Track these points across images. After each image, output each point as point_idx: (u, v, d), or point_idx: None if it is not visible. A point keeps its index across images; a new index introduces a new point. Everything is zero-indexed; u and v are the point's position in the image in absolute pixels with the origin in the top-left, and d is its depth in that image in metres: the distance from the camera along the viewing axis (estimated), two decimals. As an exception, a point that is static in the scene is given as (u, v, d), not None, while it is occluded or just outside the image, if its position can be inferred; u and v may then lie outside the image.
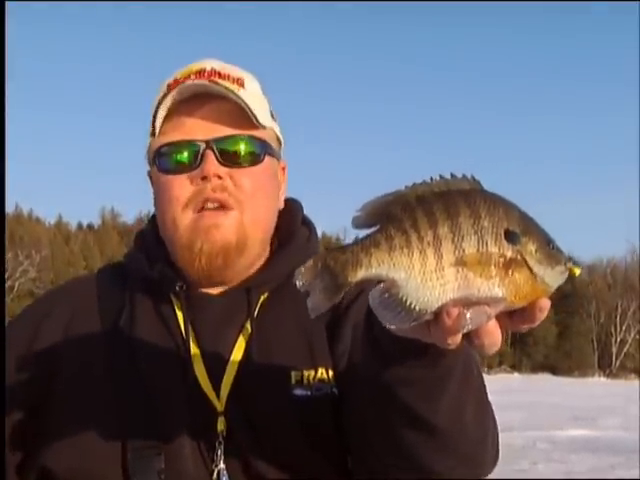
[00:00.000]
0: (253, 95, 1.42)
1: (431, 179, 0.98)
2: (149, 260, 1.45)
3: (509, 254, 0.95)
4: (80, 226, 67.30)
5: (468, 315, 0.93)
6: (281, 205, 1.48)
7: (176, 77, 1.41)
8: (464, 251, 0.94)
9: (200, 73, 1.40)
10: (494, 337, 0.96)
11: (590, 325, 61.40)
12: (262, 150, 1.42)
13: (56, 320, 1.45)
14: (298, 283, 0.96)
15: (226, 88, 1.38)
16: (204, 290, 1.42)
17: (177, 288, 1.40)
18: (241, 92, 1.39)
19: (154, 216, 1.51)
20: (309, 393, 1.36)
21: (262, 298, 1.43)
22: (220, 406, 1.35)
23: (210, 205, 1.37)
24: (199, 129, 1.38)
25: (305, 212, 1.55)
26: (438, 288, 0.94)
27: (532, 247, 0.96)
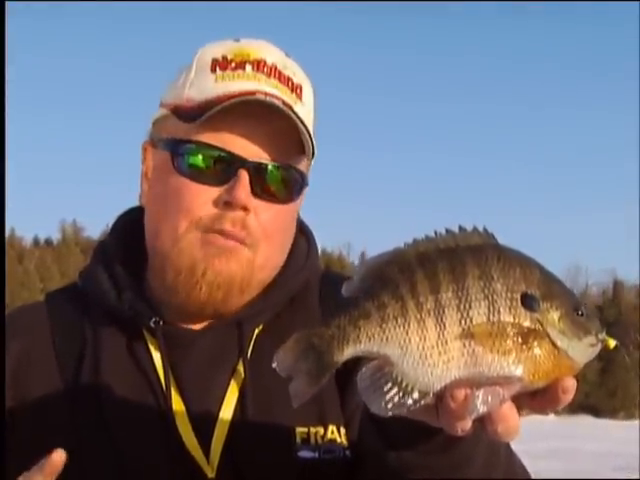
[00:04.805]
0: (308, 111, 1.39)
1: (436, 233, 0.97)
2: (114, 284, 1.39)
3: (526, 323, 0.93)
4: (36, 241, 67.43)
5: (478, 398, 0.92)
6: (293, 237, 1.44)
7: (225, 55, 1.37)
8: (472, 320, 0.93)
9: (258, 65, 1.36)
10: (510, 422, 0.94)
11: (638, 358, 61.34)
12: (300, 186, 1.39)
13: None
14: (278, 367, 0.96)
15: (286, 104, 1.33)
16: (185, 325, 1.37)
17: (152, 324, 1.35)
18: (298, 108, 1.36)
19: (121, 219, 1.45)
20: (317, 455, 1.32)
21: (256, 331, 1.38)
22: (211, 472, 1.30)
23: (221, 236, 1.32)
24: (240, 142, 1.33)
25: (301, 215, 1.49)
26: (440, 366, 0.92)
27: (555, 314, 0.94)
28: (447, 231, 0.97)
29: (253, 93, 1.32)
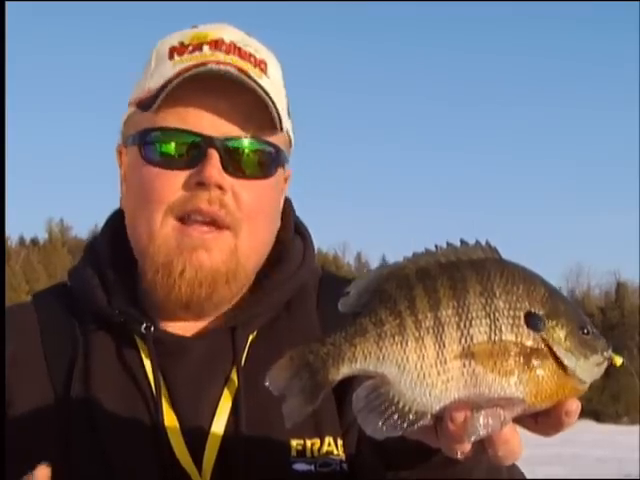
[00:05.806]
0: (275, 86, 1.37)
1: (436, 247, 0.96)
2: (104, 286, 1.38)
3: (530, 343, 0.92)
4: (22, 241, 67.39)
5: (478, 420, 0.91)
6: (279, 224, 1.42)
7: (183, 41, 1.35)
8: (472, 339, 0.92)
9: (216, 44, 1.34)
10: (511, 446, 0.94)
11: (641, 361, 61.40)
12: (276, 161, 1.36)
13: None
14: (271, 386, 0.95)
15: (249, 77, 1.31)
16: (177, 332, 1.36)
17: (143, 330, 1.34)
18: (264, 81, 1.34)
19: (112, 218, 1.44)
20: (313, 469, 1.31)
21: (251, 337, 1.37)
22: None
23: (199, 217, 1.31)
24: (205, 120, 1.31)
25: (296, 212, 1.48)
26: (439, 386, 0.92)
27: (560, 333, 0.93)
28: (448, 244, 0.96)
29: (205, 64, 1.31)
